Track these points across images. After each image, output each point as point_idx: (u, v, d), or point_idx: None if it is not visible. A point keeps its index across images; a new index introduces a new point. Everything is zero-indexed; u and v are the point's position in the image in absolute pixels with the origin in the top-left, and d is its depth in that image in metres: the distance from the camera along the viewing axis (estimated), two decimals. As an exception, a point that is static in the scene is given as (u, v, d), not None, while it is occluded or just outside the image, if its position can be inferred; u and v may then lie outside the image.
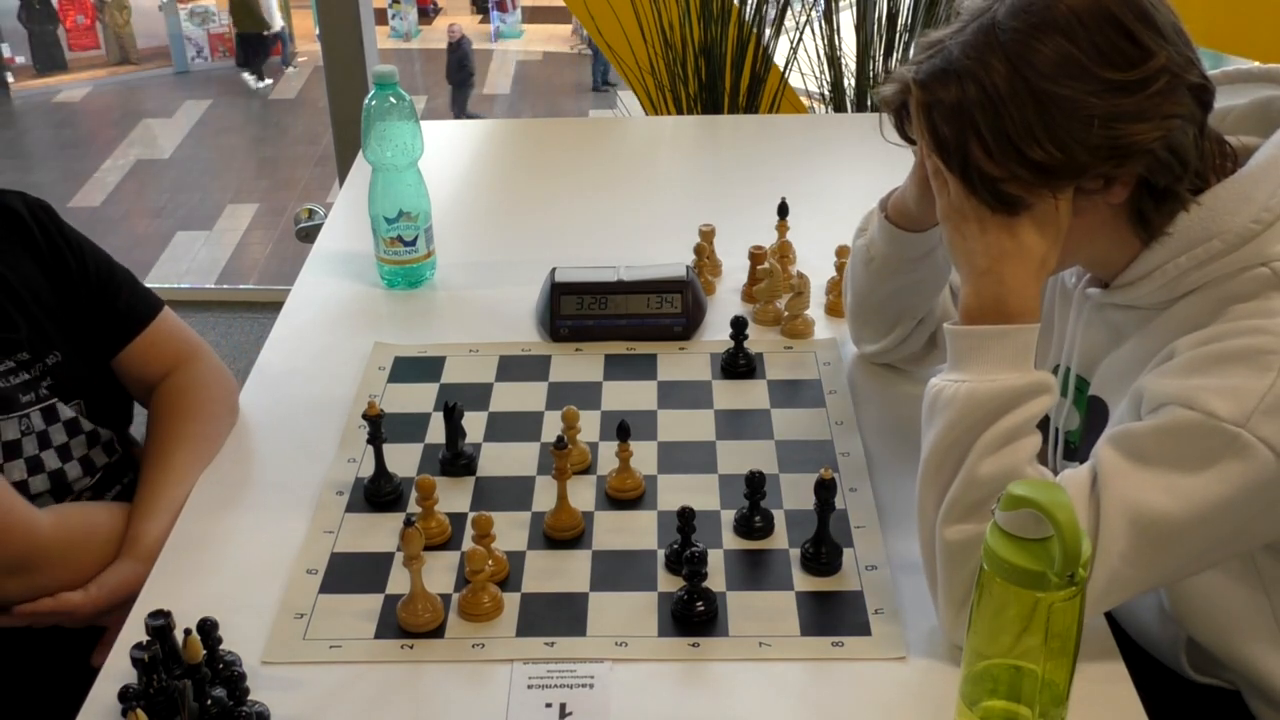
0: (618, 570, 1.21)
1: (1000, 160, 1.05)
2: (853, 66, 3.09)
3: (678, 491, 1.31)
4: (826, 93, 3.15)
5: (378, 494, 1.31)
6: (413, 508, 1.28)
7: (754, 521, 1.25)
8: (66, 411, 1.38)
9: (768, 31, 3.06)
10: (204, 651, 1.02)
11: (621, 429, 1.29)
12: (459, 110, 9.20)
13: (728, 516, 1.27)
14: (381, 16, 10.40)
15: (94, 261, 1.45)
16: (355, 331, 1.63)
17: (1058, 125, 1.02)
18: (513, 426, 1.43)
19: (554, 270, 1.64)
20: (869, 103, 3.07)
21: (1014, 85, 1.03)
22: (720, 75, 2.99)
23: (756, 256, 1.68)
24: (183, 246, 6.88)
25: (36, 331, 1.38)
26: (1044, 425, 1.18)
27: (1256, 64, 1.20)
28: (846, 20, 3.07)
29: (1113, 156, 1.03)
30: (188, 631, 1.02)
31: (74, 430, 1.40)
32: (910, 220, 1.31)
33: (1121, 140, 1.02)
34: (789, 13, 3.09)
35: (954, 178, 1.09)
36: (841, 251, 1.66)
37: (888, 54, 3.04)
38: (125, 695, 1.00)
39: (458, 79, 9.31)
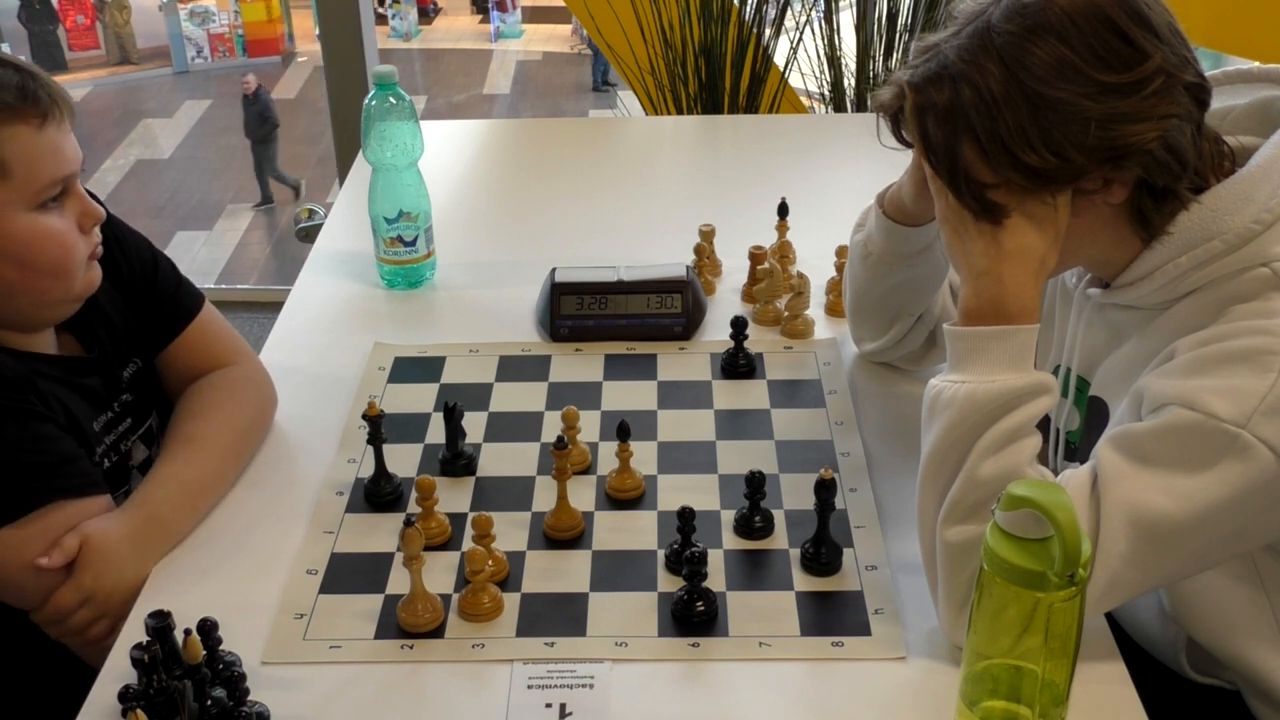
0: (618, 570, 1.21)
1: (995, 165, 1.05)
2: (853, 66, 3.09)
3: (678, 491, 1.31)
4: (826, 93, 3.15)
5: (378, 494, 1.31)
6: (413, 508, 1.28)
7: (754, 521, 1.25)
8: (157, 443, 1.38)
9: (768, 31, 3.06)
10: (204, 651, 1.02)
11: (621, 429, 1.29)
12: (268, 170, 7.85)
13: (728, 516, 1.27)
14: (382, 16, 10.39)
15: (136, 250, 1.40)
16: (355, 331, 1.63)
17: (1053, 128, 1.02)
18: (513, 426, 1.43)
19: (554, 270, 1.64)
20: (869, 103, 3.07)
21: (1009, 88, 1.03)
22: (720, 75, 2.99)
23: (756, 256, 1.68)
24: (183, 246, 6.89)
25: (119, 350, 1.37)
26: (1044, 425, 1.18)
27: (1256, 64, 1.20)
28: (846, 20, 3.07)
29: (1110, 158, 1.03)
30: (188, 631, 1.02)
31: (149, 441, 1.40)
32: (907, 215, 1.32)
33: (1118, 142, 1.02)
34: (789, 13, 3.09)
35: (942, 182, 1.10)
36: (841, 251, 1.66)
37: (888, 54, 3.04)
38: (125, 695, 1.00)
39: (259, 134, 7.85)
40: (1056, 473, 1.11)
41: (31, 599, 1.20)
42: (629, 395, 1.49)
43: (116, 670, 1.10)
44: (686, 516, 1.16)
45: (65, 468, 1.22)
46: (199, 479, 1.30)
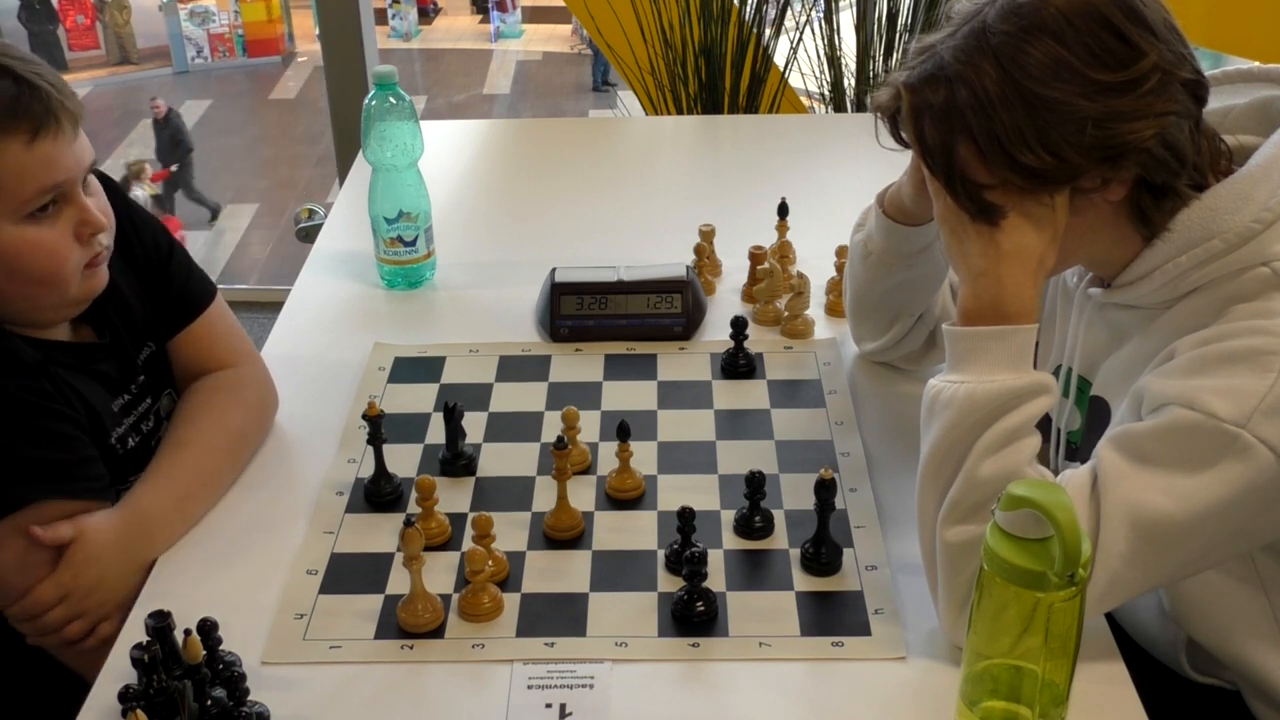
0: (618, 570, 1.21)
1: (992, 165, 1.05)
2: (853, 66, 3.09)
3: (678, 491, 1.31)
4: (826, 93, 3.15)
5: (378, 494, 1.31)
6: (413, 508, 1.28)
7: (754, 521, 1.25)
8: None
9: (768, 31, 3.06)
10: (204, 652, 1.02)
11: (621, 429, 1.29)
12: (186, 191, 7.60)
13: (728, 516, 1.27)
14: (381, 16, 10.39)
15: (151, 234, 1.40)
16: (355, 331, 1.63)
17: (1049, 128, 1.02)
18: (513, 427, 1.43)
19: (554, 270, 1.64)
20: (869, 103, 3.07)
21: (1004, 89, 1.03)
22: (720, 75, 2.99)
23: (756, 256, 1.68)
24: (183, 247, 6.88)
25: (134, 334, 1.37)
26: (1045, 425, 1.18)
27: (1256, 64, 1.20)
28: (846, 20, 3.07)
29: (1107, 157, 1.03)
30: (188, 632, 1.02)
31: (161, 423, 1.40)
32: (907, 215, 1.32)
33: (1115, 140, 1.02)
34: (789, 13, 3.09)
35: (939, 183, 1.10)
36: (841, 251, 1.66)
37: (888, 54, 3.04)
38: (125, 695, 1.00)
39: (173, 158, 7.65)
40: (1057, 473, 1.11)
41: (9, 595, 1.19)
42: (629, 395, 1.49)
43: (116, 670, 1.10)
44: (686, 516, 1.16)
45: (73, 470, 1.22)
46: (191, 486, 1.29)
